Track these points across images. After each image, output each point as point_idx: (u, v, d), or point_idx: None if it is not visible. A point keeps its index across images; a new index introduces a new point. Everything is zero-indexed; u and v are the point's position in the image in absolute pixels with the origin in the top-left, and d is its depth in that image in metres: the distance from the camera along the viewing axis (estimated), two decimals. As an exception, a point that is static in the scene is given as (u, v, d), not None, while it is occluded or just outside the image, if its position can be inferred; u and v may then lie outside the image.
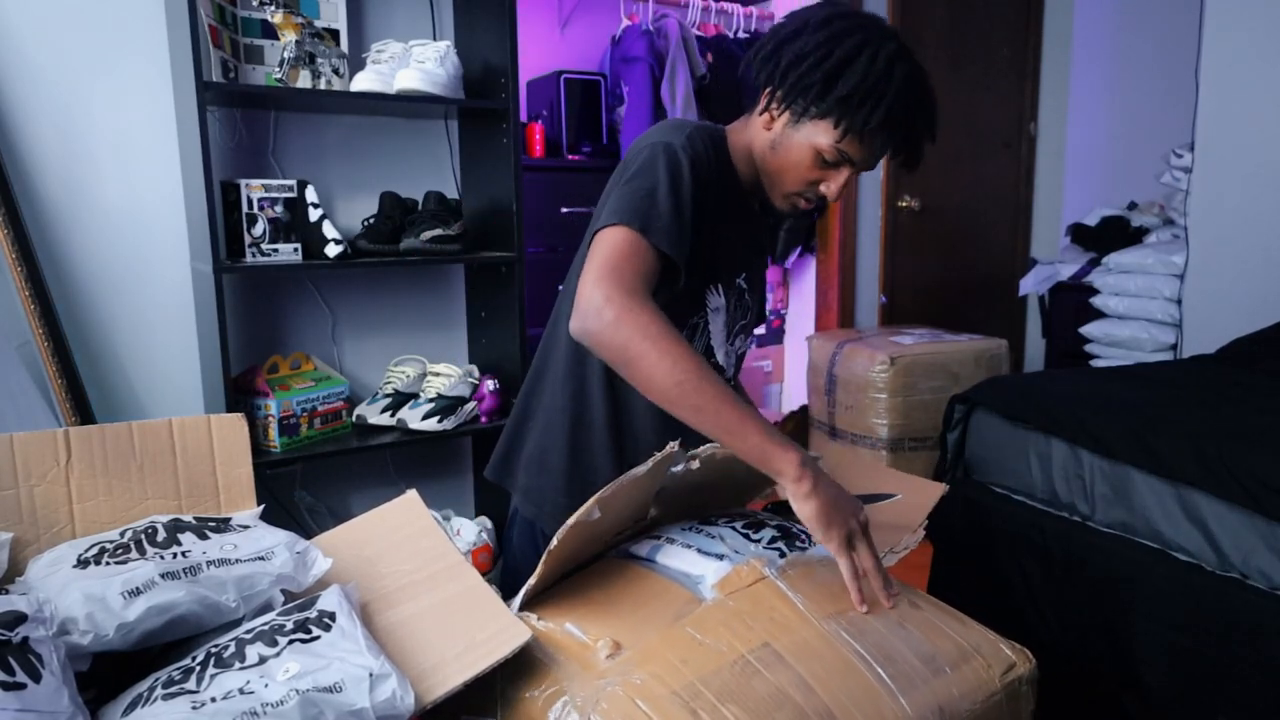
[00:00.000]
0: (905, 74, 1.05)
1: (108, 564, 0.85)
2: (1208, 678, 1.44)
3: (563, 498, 1.18)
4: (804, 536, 1.10)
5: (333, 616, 0.81)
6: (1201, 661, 1.45)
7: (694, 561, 0.99)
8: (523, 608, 0.93)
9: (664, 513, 1.11)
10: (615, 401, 1.16)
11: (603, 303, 0.95)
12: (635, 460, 1.15)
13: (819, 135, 1.08)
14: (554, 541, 0.90)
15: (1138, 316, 3.09)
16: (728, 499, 1.16)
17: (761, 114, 1.13)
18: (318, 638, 0.78)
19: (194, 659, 0.77)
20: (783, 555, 1.01)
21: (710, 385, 0.94)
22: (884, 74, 1.04)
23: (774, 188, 1.16)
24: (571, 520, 0.89)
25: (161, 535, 0.92)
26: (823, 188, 1.12)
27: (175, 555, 0.88)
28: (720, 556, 0.98)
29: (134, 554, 0.87)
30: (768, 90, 1.11)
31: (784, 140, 1.11)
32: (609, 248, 1.00)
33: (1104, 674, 1.59)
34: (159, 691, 0.73)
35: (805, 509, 0.93)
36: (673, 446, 0.94)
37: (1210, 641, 1.44)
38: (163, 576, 0.82)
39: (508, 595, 0.95)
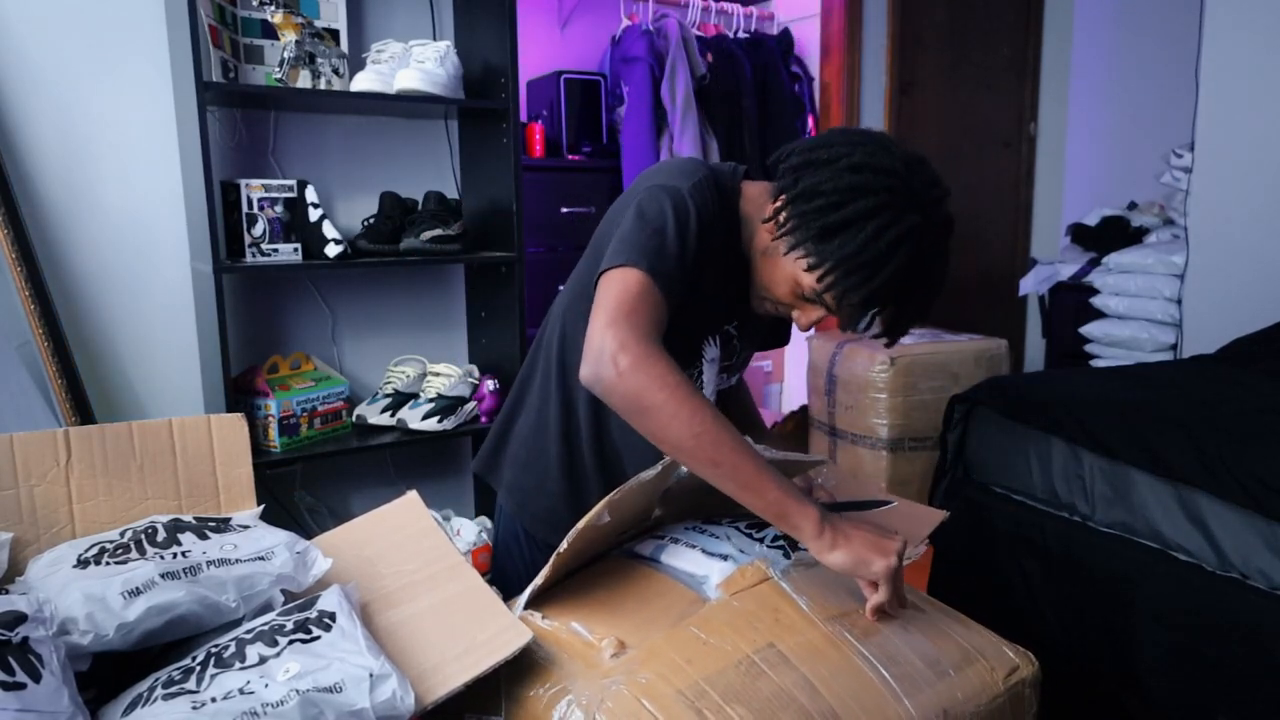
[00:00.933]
0: (910, 257, 0.96)
1: (108, 564, 0.85)
2: (1208, 678, 1.44)
3: (546, 500, 1.20)
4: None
5: (333, 617, 0.81)
6: (1201, 661, 1.45)
7: (698, 561, 0.99)
8: (527, 606, 0.93)
9: (668, 512, 1.11)
10: (602, 408, 1.16)
11: (617, 349, 0.91)
12: (620, 467, 1.17)
13: (804, 273, 1.01)
14: (563, 545, 0.90)
15: (1138, 316, 3.09)
16: (732, 500, 1.16)
17: (767, 221, 1.05)
18: (318, 638, 0.78)
19: (194, 659, 0.77)
20: (786, 555, 1.01)
21: (728, 439, 0.91)
22: (884, 253, 0.95)
23: (753, 286, 1.11)
24: (581, 524, 0.90)
25: (162, 535, 0.92)
26: (795, 314, 1.08)
27: (175, 555, 0.88)
28: (724, 557, 0.99)
29: (134, 554, 0.87)
30: (775, 204, 1.04)
31: (775, 254, 1.04)
32: (620, 289, 0.95)
33: (1104, 674, 1.59)
34: (159, 692, 0.72)
35: (834, 562, 0.91)
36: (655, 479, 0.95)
37: (1210, 641, 1.44)
38: (163, 576, 0.82)
39: (498, 587, 0.95)
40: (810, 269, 0.99)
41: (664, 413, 0.90)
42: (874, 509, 1.17)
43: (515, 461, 1.24)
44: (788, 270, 1.03)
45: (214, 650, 0.78)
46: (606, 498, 0.90)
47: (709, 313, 1.15)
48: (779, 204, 1.02)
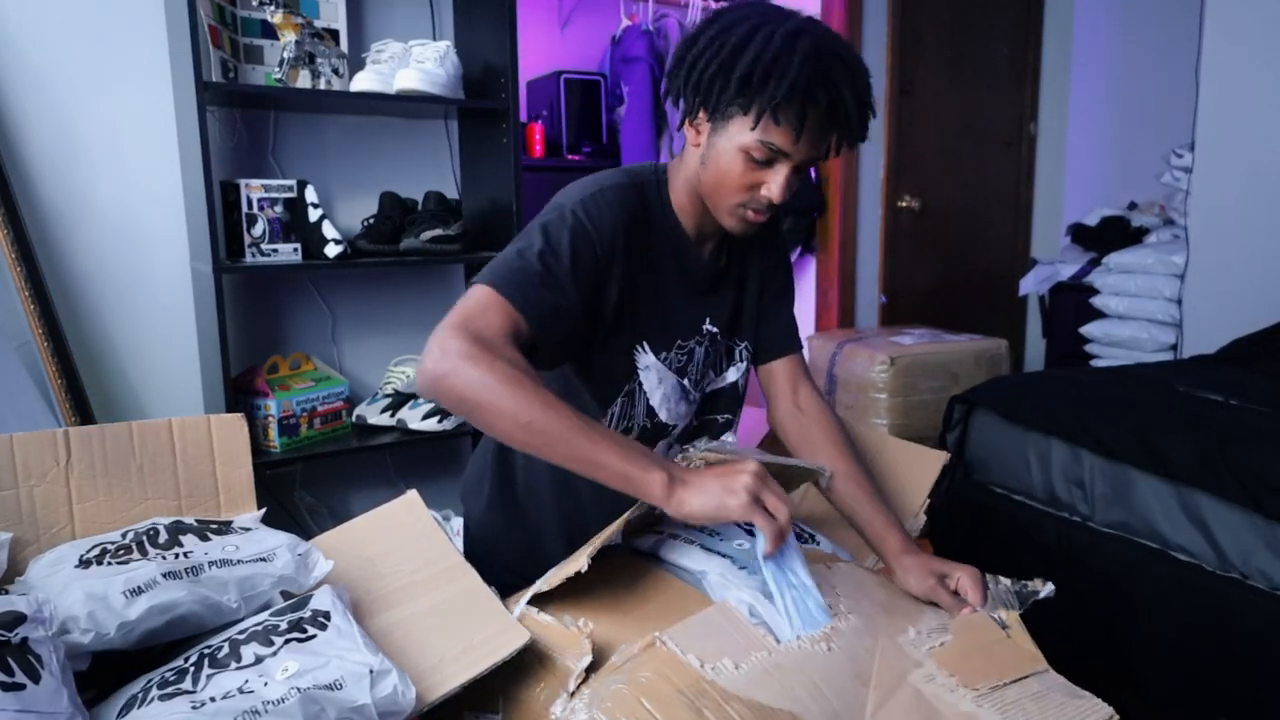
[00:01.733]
0: (810, 44, 0.98)
1: (109, 564, 0.85)
2: (1208, 678, 1.44)
3: (486, 514, 1.26)
4: (807, 533, 1.10)
5: (328, 615, 0.81)
6: (1201, 661, 1.45)
7: (698, 558, 0.99)
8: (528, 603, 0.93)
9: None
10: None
11: (439, 352, 0.89)
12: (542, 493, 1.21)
13: (739, 133, 1.02)
14: (543, 585, 0.92)
15: (1138, 316, 3.09)
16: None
17: (683, 129, 1.08)
18: (314, 636, 0.78)
19: (186, 660, 0.77)
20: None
21: (560, 419, 0.88)
22: (782, 47, 0.97)
23: (717, 207, 1.09)
24: (557, 571, 0.92)
25: (163, 537, 0.92)
26: (764, 191, 1.05)
27: (177, 555, 0.88)
28: (724, 554, 0.98)
29: (135, 554, 0.87)
30: (680, 103, 1.07)
31: (711, 151, 1.05)
32: (462, 304, 0.96)
33: (1104, 674, 1.59)
34: (155, 692, 0.72)
35: (691, 515, 0.88)
36: (624, 524, 0.93)
37: (1210, 641, 1.44)
38: (164, 576, 0.82)
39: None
40: (737, 111, 1.01)
41: (491, 408, 0.88)
42: (808, 474, 1.15)
43: (468, 480, 1.31)
44: (728, 147, 1.03)
45: (207, 651, 0.78)
46: (588, 548, 0.91)
47: (634, 320, 1.12)
48: (683, 105, 1.06)
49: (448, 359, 0.89)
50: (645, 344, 1.14)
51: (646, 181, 1.13)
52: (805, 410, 1.25)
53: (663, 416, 1.18)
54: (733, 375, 1.25)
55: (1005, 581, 1.01)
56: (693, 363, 1.19)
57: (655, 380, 1.16)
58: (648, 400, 1.16)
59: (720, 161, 1.05)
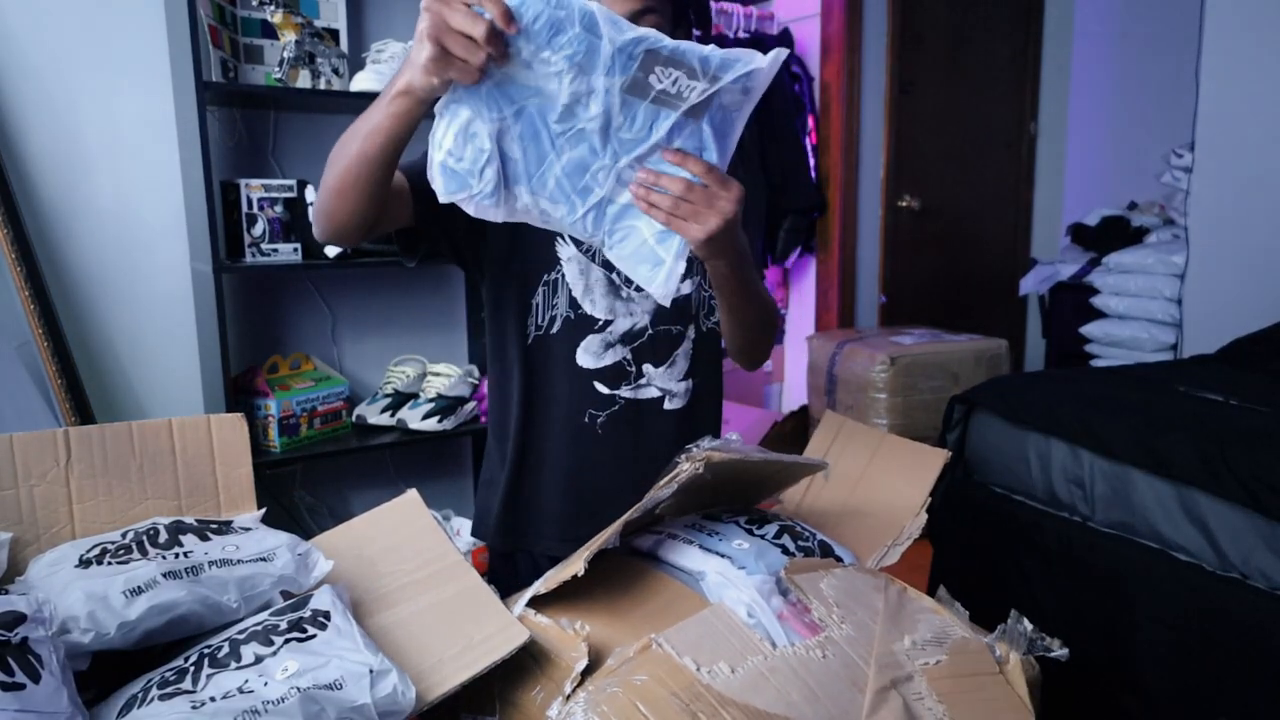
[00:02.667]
0: None
1: (109, 564, 0.85)
2: (1208, 678, 1.44)
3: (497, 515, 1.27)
4: (808, 533, 1.10)
5: (327, 615, 0.81)
6: (1201, 661, 1.45)
7: (696, 558, 0.99)
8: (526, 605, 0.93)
9: (667, 507, 1.11)
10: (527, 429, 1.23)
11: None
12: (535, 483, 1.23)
13: None
14: (540, 588, 0.93)
15: (1138, 316, 3.09)
16: (735, 503, 1.16)
17: None
18: (313, 636, 0.78)
19: (186, 659, 0.77)
20: (786, 553, 1.01)
21: (350, 132, 0.94)
22: None
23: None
24: (555, 573, 0.92)
25: (163, 536, 0.92)
26: None
27: (177, 555, 0.88)
28: (722, 554, 0.98)
29: (135, 554, 0.87)
30: None
31: None
32: None
33: (1104, 674, 1.59)
34: (154, 692, 0.72)
35: (415, 78, 0.83)
36: (622, 525, 0.93)
37: (1210, 641, 1.44)
38: (165, 576, 0.82)
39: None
40: None
41: (334, 173, 0.96)
42: (809, 470, 1.15)
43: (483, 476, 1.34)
44: None
45: (206, 651, 0.77)
46: (588, 548, 0.91)
47: None
48: None
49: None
50: (563, 236, 1.16)
51: None
52: None
53: (586, 308, 1.18)
54: (686, 287, 1.22)
55: (1027, 625, 0.99)
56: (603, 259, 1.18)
57: (577, 271, 1.17)
58: (570, 291, 1.17)
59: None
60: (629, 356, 1.21)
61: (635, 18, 0.94)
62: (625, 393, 1.22)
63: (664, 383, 1.23)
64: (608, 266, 1.18)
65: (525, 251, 1.17)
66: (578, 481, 1.23)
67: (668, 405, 1.24)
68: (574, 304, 1.18)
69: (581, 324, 1.19)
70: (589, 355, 1.19)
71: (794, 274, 3.80)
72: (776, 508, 1.24)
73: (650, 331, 1.21)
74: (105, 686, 0.79)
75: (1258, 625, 1.38)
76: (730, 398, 3.45)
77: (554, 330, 1.19)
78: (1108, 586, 1.59)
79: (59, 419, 1.83)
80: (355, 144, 0.94)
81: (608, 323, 1.19)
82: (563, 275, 1.18)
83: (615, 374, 1.21)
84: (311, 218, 1.02)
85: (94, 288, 2.01)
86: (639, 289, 1.19)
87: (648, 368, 1.21)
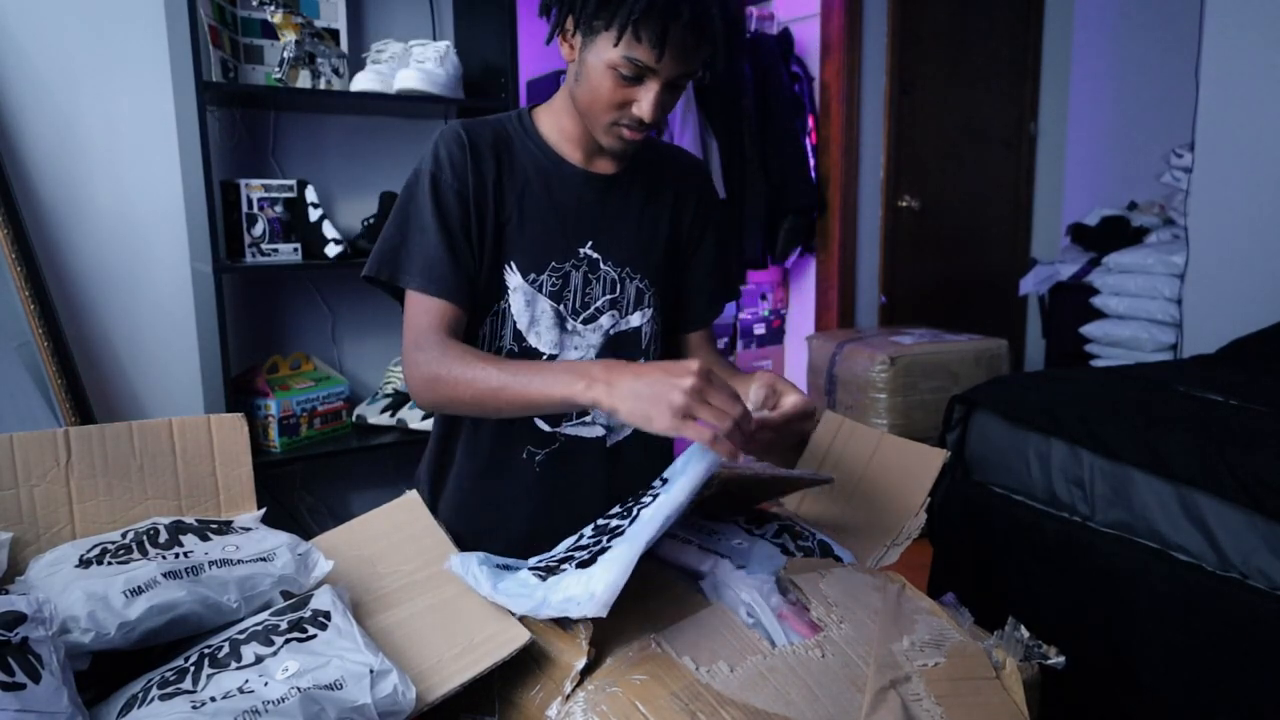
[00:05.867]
0: None
1: (110, 564, 0.85)
2: (1208, 678, 1.44)
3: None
4: (807, 532, 1.10)
5: (328, 615, 0.81)
6: (1201, 661, 1.45)
7: (696, 557, 0.99)
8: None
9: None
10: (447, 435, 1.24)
11: (408, 375, 1.07)
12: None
13: (605, 50, 1.01)
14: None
15: (1138, 316, 3.09)
16: (736, 505, 1.16)
17: (555, 43, 1.10)
18: (314, 636, 0.78)
19: (186, 659, 0.77)
20: (785, 552, 1.01)
21: (495, 374, 0.98)
22: None
23: (593, 125, 1.09)
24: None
25: (164, 536, 0.92)
26: (635, 109, 1.05)
27: (178, 555, 0.88)
28: (722, 554, 0.99)
29: (136, 554, 0.87)
30: (552, 14, 1.08)
31: (583, 69, 1.06)
32: (406, 318, 1.11)
33: (1104, 674, 1.59)
34: (155, 692, 0.72)
35: (619, 414, 0.87)
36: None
37: (1210, 641, 1.44)
38: (165, 576, 0.82)
39: None
40: (605, 29, 1.00)
41: (452, 396, 1.02)
42: (811, 483, 1.15)
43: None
44: (597, 64, 1.03)
45: (207, 650, 0.78)
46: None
47: (500, 242, 1.14)
48: (554, 15, 1.08)
49: (410, 376, 1.07)
50: (513, 264, 1.14)
51: (504, 117, 1.19)
52: None
53: (531, 341, 1.15)
54: (637, 320, 1.20)
55: (1025, 632, 0.99)
56: (569, 288, 1.16)
57: (523, 303, 1.15)
58: (514, 323, 1.15)
59: (591, 78, 1.05)
60: None
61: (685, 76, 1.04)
62: (568, 430, 1.18)
63: (608, 419, 1.19)
64: (555, 298, 1.16)
65: (479, 278, 1.15)
66: (508, 521, 1.19)
67: (611, 442, 1.20)
68: (518, 336, 1.16)
69: (526, 358, 1.16)
70: None
71: (794, 274, 3.80)
72: (776, 508, 1.24)
73: None
74: (105, 686, 0.79)
75: (1258, 625, 1.38)
76: (730, 398, 3.45)
77: None
78: (1108, 586, 1.59)
79: (59, 419, 1.83)
80: (502, 400, 0.98)
81: (553, 356, 1.16)
82: (508, 306, 1.15)
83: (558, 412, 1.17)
84: (413, 391, 1.08)
85: (94, 288, 2.01)
86: (586, 321, 1.17)
87: None
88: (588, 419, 1.19)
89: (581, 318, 1.17)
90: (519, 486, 1.19)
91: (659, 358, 1.23)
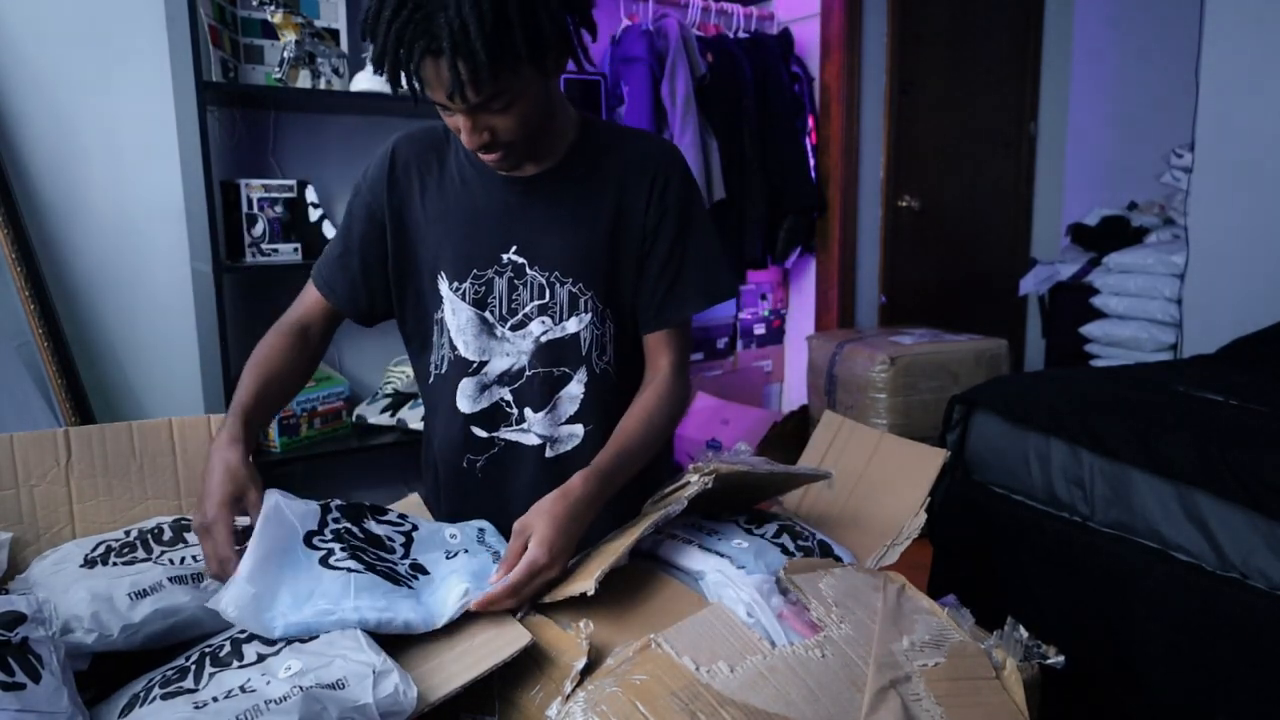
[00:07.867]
0: (391, 5, 0.91)
1: (114, 564, 0.86)
2: (1208, 678, 1.44)
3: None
4: (807, 532, 1.10)
5: (330, 616, 0.81)
6: (1201, 661, 1.45)
7: (695, 557, 0.99)
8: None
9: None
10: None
11: None
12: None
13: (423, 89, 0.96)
14: (545, 598, 0.93)
15: (1138, 316, 3.09)
16: (736, 505, 1.16)
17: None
18: (315, 636, 0.78)
19: (187, 659, 0.77)
20: (785, 552, 1.01)
21: (240, 385, 1.05)
22: (374, 13, 0.92)
23: None
24: (562, 588, 0.93)
25: (167, 534, 0.92)
26: (462, 138, 1.02)
27: (184, 560, 0.88)
28: (722, 554, 0.98)
29: (140, 554, 0.87)
30: None
31: None
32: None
33: (1104, 674, 1.59)
34: (156, 691, 0.72)
35: None
36: (633, 544, 0.93)
37: (1210, 641, 1.44)
38: (171, 580, 0.82)
39: None
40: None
41: None
42: (811, 479, 1.16)
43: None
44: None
45: (208, 650, 0.78)
46: (599, 566, 0.91)
47: (428, 252, 1.16)
48: None
49: None
50: (443, 273, 1.15)
51: (439, 128, 1.17)
52: (647, 382, 1.17)
53: (460, 349, 1.15)
54: (573, 326, 1.14)
55: (1024, 632, 0.99)
56: (493, 294, 1.13)
57: (451, 310, 1.15)
58: (449, 333, 1.15)
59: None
60: (508, 398, 1.16)
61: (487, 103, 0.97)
62: (507, 435, 1.17)
63: (545, 429, 1.16)
64: (479, 305, 1.14)
65: (420, 285, 1.17)
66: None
67: (550, 453, 1.17)
68: (453, 344, 1.15)
69: (459, 365, 1.15)
70: (465, 399, 1.16)
71: (794, 274, 3.80)
72: (776, 508, 1.24)
73: (529, 373, 1.15)
74: (106, 686, 0.79)
75: (1258, 625, 1.38)
76: (731, 398, 3.45)
77: (444, 370, 1.17)
78: (1108, 586, 1.59)
79: (59, 419, 1.83)
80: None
81: (482, 364, 1.15)
82: (445, 314, 1.15)
83: (493, 417, 1.16)
84: None
85: (94, 288, 2.01)
86: (515, 328, 1.14)
87: (528, 411, 1.16)
88: (524, 425, 1.16)
89: (509, 324, 1.14)
90: (462, 491, 1.20)
91: (619, 362, 1.18)
